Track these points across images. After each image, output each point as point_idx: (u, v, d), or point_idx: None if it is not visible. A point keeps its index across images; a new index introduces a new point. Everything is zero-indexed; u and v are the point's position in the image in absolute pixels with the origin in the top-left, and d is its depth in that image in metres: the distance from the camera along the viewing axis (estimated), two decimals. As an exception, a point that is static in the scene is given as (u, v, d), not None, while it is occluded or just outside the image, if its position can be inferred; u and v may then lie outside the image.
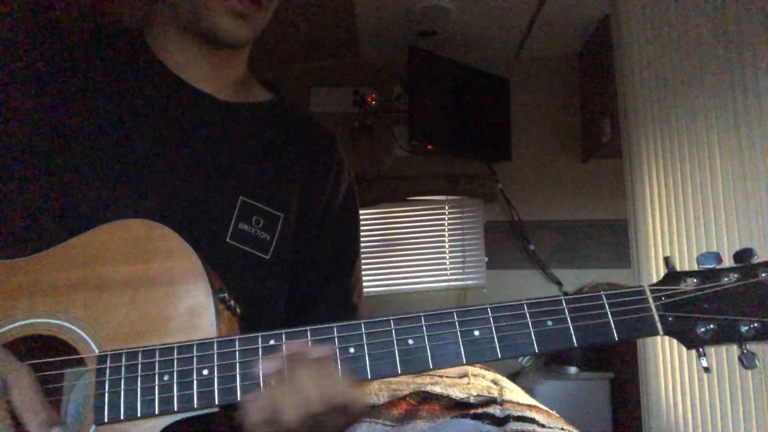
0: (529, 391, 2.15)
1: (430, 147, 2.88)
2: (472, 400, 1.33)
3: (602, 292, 0.60)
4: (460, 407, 1.31)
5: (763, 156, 1.42)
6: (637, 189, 2.03)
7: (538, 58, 3.10)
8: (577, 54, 3.05)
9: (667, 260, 0.63)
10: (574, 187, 3.01)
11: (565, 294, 0.65)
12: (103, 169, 0.71)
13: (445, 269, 3.03)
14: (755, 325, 0.57)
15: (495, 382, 1.57)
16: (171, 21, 0.79)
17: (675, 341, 0.60)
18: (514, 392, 1.53)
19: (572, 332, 0.59)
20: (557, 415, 1.33)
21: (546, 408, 1.36)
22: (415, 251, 3.03)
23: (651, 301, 0.60)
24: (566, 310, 0.60)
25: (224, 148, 0.78)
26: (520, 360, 2.47)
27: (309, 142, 0.88)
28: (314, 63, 3.05)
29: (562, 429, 1.17)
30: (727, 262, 0.62)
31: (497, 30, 2.83)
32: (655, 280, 2.08)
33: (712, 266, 0.60)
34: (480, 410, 1.20)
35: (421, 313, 0.60)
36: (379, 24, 2.75)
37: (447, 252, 3.04)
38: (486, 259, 2.98)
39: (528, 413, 1.21)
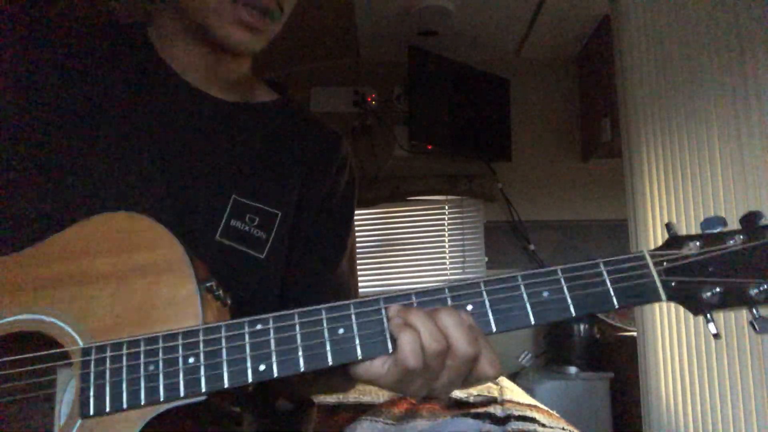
0: (529, 391, 2.15)
1: (430, 147, 2.88)
2: (472, 399, 1.33)
3: (600, 260, 0.57)
4: (460, 406, 1.31)
5: (764, 155, 1.42)
6: (637, 189, 2.03)
7: (538, 58, 3.11)
8: (577, 54, 3.06)
9: (668, 226, 0.60)
10: (574, 187, 3.01)
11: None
12: (94, 164, 0.70)
13: (445, 269, 3.03)
14: (766, 287, 0.53)
15: (495, 382, 1.57)
16: (175, 22, 0.78)
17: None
18: (514, 392, 1.53)
19: (569, 301, 0.56)
20: (557, 415, 1.33)
21: (546, 408, 1.36)
22: (415, 251, 3.03)
23: (652, 266, 0.56)
24: (562, 279, 0.57)
25: (220, 146, 0.77)
26: (520, 359, 2.46)
27: (311, 141, 0.86)
28: (314, 63, 3.05)
29: (563, 429, 1.17)
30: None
31: (497, 30, 2.83)
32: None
33: (717, 230, 0.57)
34: (481, 410, 1.20)
35: (412, 292, 0.58)
36: (379, 24, 2.75)
37: (447, 252, 3.04)
38: (486, 259, 2.99)
39: (529, 413, 1.21)
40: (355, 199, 0.92)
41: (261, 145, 0.81)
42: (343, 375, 0.59)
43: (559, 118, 3.08)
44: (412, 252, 3.03)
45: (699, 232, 0.58)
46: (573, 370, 2.58)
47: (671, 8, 1.83)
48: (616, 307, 0.56)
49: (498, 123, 2.99)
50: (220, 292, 0.61)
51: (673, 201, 1.81)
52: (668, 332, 1.83)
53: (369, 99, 2.97)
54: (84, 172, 0.69)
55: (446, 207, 3.07)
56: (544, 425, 1.17)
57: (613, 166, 2.71)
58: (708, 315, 0.56)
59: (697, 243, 0.56)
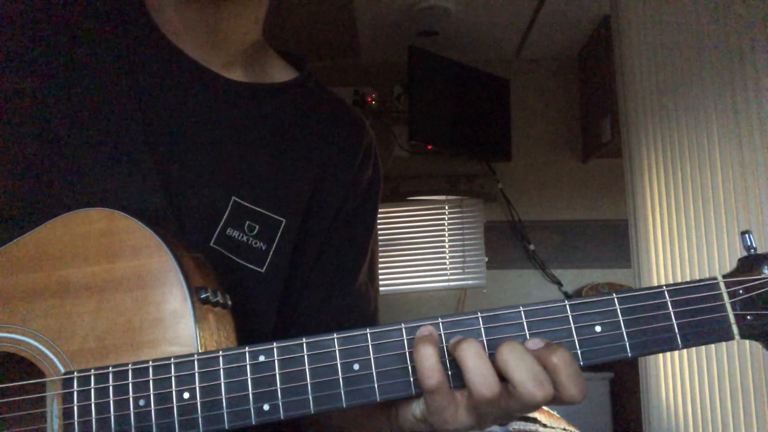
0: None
1: (430, 147, 2.88)
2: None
3: (665, 287, 0.47)
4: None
5: (763, 155, 1.42)
6: (637, 189, 2.03)
7: (538, 59, 3.11)
8: (577, 54, 3.06)
9: (745, 236, 0.49)
10: (574, 187, 3.01)
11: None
12: (72, 150, 0.61)
13: (445, 269, 3.03)
14: None
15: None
16: None
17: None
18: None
19: (626, 340, 0.47)
20: (558, 415, 1.33)
21: (547, 408, 1.36)
22: (415, 251, 3.03)
23: (726, 297, 0.47)
24: (619, 311, 0.47)
25: (222, 136, 0.66)
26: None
27: (330, 128, 0.75)
28: (314, 63, 3.04)
29: (564, 429, 1.17)
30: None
31: (497, 30, 2.83)
32: (655, 280, 2.08)
33: None
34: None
35: (439, 320, 0.49)
36: (379, 24, 2.75)
37: (447, 252, 3.04)
38: (486, 259, 2.99)
39: (530, 413, 1.21)
40: (379, 195, 0.80)
41: (270, 138, 0.69)
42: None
43: (559, 118, 3.08)
44: (412, 252, 3.03)
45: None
46: (573, 370, 2.57)
47: (671, 8, 1.83)
48: (680, 348, 0.47)
49: (498, 123, 2.99)
50: (218, 296, 0.54)
51: (673, 201, 1.81)
52: (668, 332, 1.83)
53: (369, 99, 2.97)
54: (61, 157, 0.61)
55: (446, 207, 3.07)
56: (545, 425, 1.17)
57: (613, 166, 2.71)
58: None
59: None
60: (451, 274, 3.02)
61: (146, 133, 0.63)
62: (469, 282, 3.00)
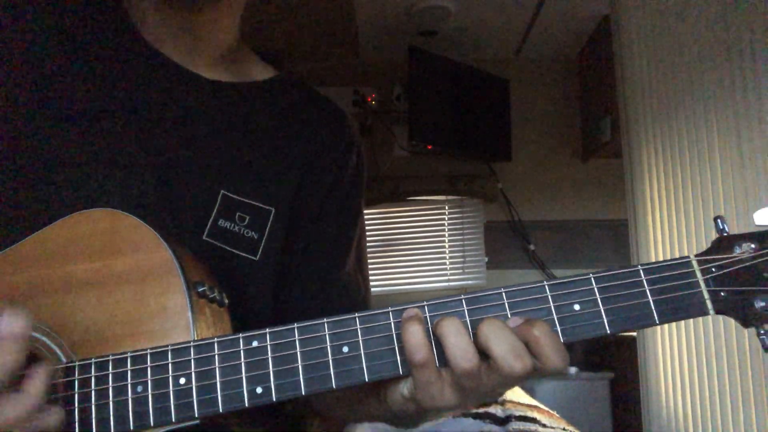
0: (529, 391, 2.15)
1: (430, 147, 2.88)
2: (473, 399, 1.33)
3: (640, 266, 0.50)
4: (461, 407, 1.31)
5: (763, 155, 1.42)
6: (637, 189, 2.03)
7: (538, 58, 3.11)
8: (577, 54, 3.06)
9: (717, 221, 0.51)
10: (574, 187, 3.01)
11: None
12: (64, 155, 0.63)
13: (445, 269, 3.03)
14: None
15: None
16: None
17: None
18: (515, 392, 1.53)
19: (604, 317, 0.49)
20: (558, 415, 1.33)
21: (547, 408, 1.36)
22: (415, 251, 3.03)
23: (699, 274, 0.49)
24: (596, 290, 0.50)
25: (207, 134, 0.69)
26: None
27: (312, 122, 0.77)
28: (314, 63, 3.05)
29: (564, 429, 1.17)
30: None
31: (497, 30, 2.83)
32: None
33: None
34: (481, 410, 1.20)
35: (425, 303, 0.51)
36: (379, 24, 2.75)
37: (447, 252, 3.04)
38: (486, 259, 2.99)
39: (530, 413, 1.21)
40: (363, 184, 0.82)
41: (254, 133, 0.72)
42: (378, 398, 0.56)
43: (559, 118, 3.08)
44: (412, 252, 3.03)
45: (753, 227, 0.51)
46: (573, 370, 2.58)
47: (671, 8, 1.83)
48: (657, 323, 0.49)
49: (498, 123, 2.99)
50: (215, 293, 0.56)
51: (673, 201, 1.81)
52: (668, 332, 1.83)
53: (369, 99, 2.96)
54: (57, 162, 0.63)
55: (446, 207, 3.07)
56: (545, 425, 1.17)
57: (613, 166, 2.71)
58: (760, 328, 0.49)
59: (752, 244, 0.49)
60: (451, 274, 3.02)
61: (138, 135, 0.65)
62: (469, 282, 3.00)
